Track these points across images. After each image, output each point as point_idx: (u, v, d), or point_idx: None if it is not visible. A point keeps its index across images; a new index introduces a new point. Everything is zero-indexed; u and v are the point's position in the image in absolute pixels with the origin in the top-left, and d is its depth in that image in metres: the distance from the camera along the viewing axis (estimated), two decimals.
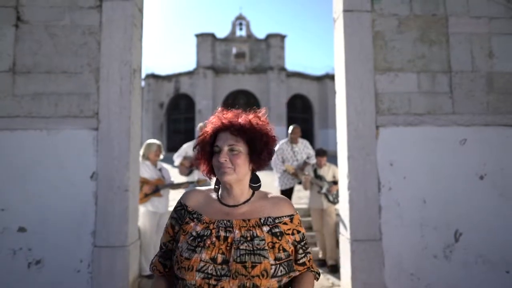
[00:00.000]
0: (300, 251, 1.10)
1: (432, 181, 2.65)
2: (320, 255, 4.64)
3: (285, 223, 1.08)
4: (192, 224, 1.06)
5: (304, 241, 1.12)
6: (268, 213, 1.08)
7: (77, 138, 2.58)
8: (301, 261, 1.11)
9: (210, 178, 1.15)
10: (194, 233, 1.03)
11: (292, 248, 1.07)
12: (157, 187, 3.62)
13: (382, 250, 2.60)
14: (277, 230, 1.05)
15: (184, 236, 1.04)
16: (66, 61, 2.64)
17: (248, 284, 0.95)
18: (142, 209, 3.54)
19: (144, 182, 3.54)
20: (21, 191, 2.51)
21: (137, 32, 2.81)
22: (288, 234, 1.07)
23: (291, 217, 1.10)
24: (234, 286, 0.94)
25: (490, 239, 2.60)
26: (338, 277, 3.64)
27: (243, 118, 1.10)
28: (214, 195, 1.13)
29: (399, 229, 2.62)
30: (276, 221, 1.07)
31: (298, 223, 1.12)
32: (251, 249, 0.98)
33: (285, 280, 1.01)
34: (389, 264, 2.60)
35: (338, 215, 3.62)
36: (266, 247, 1.00)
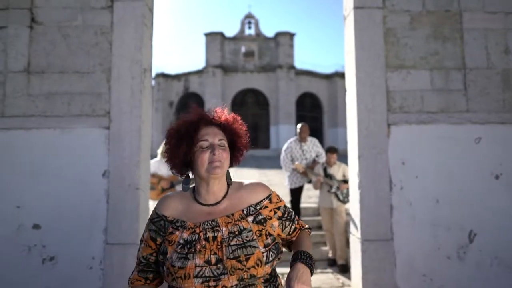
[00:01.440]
0: (287, 223, 1.16)
1: (445, 181, 2.60)
2: (330, 255, 4.61)
3: (265, 207, 1.11)
4: (177, 233, 1.04)
5: (287, 212, 1.17)
6: (248, 202, 1.10)
7: (89, 136, 2.62)
8: (291, 229, 1.18)
9: (180, 176, 1.12)
10: (181, 241, 1.02)
11: (278, 229, 1.12)
12: (172, 183, 3.77)
13: (394, 250, 2.57)
14: (260, 217, 1.08)
15: (172, 246, 1.02)
16: (78, 61, 2.68)
17: (246, 276, 0.98)
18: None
19: (160, 178, 3.71)
20: (35, 189, 2.56)
21: (147, 32, 2.84)
22: (271, 217, 1.11)
23: (269, 198, 1.14)
24: (234, 281, 0.96)
25: (506, 240, 2.54)
26: (348, 277, 3.61)
27: (226, 115, 1.14)
28: (189, 197, 1.12)
29: (411, 229, 2.58)
30: (258, 207, 1.10)
31: (277, 199, 1.16)
32: (242, 242, 1.01)
33: (276, 262, 1.06)
34: (400, 264, 2.56)
35: (348, 214, 3.59)
36: (255, 237, 1.03)
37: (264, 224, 1.07)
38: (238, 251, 0.99)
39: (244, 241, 1.01)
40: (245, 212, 1.08)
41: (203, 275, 0.96)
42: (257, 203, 1.11)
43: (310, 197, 6.77)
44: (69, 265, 2.52)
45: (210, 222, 1.04)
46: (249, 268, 0.97)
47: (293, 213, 1.21)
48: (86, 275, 2.53)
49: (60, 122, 2.62)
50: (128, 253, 2.55)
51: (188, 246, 1.00)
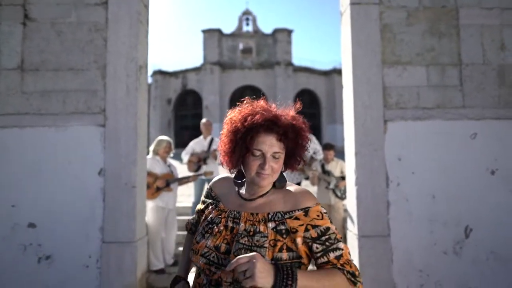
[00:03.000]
0: (317, 248, 0.94)
1: (442, 176, 2.61)
2: None
3: (296, 218, 0.96)
4: (210, 209, 1.09)
5: (325, 237, 0.95)
6: (280, 208, 1.00)
7: (84, 134, 2.60)
8: (320, 260, 0.95)
9: (230, 171, 1.09)
10: (209, 219, 1.05)
11: (304, 248, 0.95)
12: (167, 181, 3.68)
13: (391, 246, 2.57)
14: (282, 227, 0.95)
15: (203, 221, 1.07)
16: (73, 58, 2.65)
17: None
18: (151, 204, 3.60)
19: (154, 176, 3.60)
20: (30, 188, 2.54)
21: (143, 29, 2.81)
22: (296, 231, 0.94)
23: (306, 210, 0.97)
24: (229, 278, 0.93)
25: (502, 235, 2.56)
26: None
27: (292, 121, 1.01)
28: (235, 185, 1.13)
29: (408, 225, 2.59)
30: (286, 216, 0.97)
31: (317, 216, 0.97)
32: (249, 244, 0.93)
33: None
34: (397, 260, 2.57)
35: (345, 210, 3.60)
36: (266, 245, 0.92)
37: (284, 236, 0.94)
38: (243, 251, 0.93)
39: (253, 244, 0.93)
40: (269, 216, 0.98)
41: (208, 258, 0.96)
42: (287, 212, 0.98)
43: None
44: (66, 264, 2.51)
45: (235, 212, 1.03)
46: None
47: (339, 245, 0.95)
48: (83, 274, 2.52)
49: (55, 120, 2.60)
50: (125, 252, 2.55)
51: (210, 225, 1.02)
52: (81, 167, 2.58)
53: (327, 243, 0.95)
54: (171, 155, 3.95)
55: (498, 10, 2.71)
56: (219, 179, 1.17)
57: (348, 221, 2.87)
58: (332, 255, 0.94)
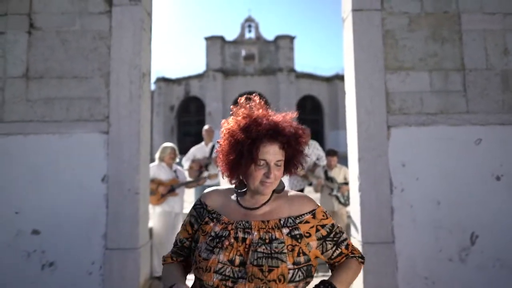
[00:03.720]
0: (329, 246, 1.05)
1: (446, 182, 2.59)
2: None
3: (306, 222, 1.03)
4: (211, 224, 1.04)
5: (334, 232, 1.06)
6: (288, 213, 1.03)
7: (88, 141, 2.62)
8: (334, 254, 1.07)
9: (231, 182, 1.09)
10: (213, 234, 1.01)
11: (316, 251, 1.02)
12: (172, 187, 3.73)
13: (395, 253, 2.55)
14: (296, 232, 1.00)
15: (204, 237, 1.02)
16: (77, 66, 2.68)
17: None
18: (158, 209, 3.68)
19: (159, 183, 3.66)
20: (34, 195, 2.55)
21: (146, 36, 2.84)
22: (310, 235, 1.01)
23: (313, 213, 1.05)
24: None
25: (509, 242, 2.52)
26: None
27: (294, 130, 1.03)
28: (232, 196, 1.10)
29: (412, 231, 2.56)
30: (297, 221, 1.02)
31: (323, 216, 1.06)
32: (269, 252, 0.94)
33: (302, 285, 0.97)
34: (402, 267, 2.54)
35: (349, 217, 3.57)
36: (285, 250, 0.95)
37: (299, 241, 0.98)
38: (263, 259, 0.93)
39: (272, 251, 0.94)
40: (281, 222, 1.01)
41: (223, 273, 0.93)
42: (298, 216, 1.03)
43: None
44: (69, 271, 2.51)
45: (244, 222, 1.00)
46: (269, 281, 0.91)
47: (343, 236, 1.08)
48: (86, 281, 2.51)
49: (59, 127, 2.62)
50: (128, 258, 2.54)
51: (217, 240, 0.98)
52: (84, 174, 2.58)
53: (335, 238, 1.06)
54: (177, 160, 4.02)
55: (500, 15, 2.71)
56: (210, 194, 1.12)
57: (352, 227, 2.85)
58: (342, 246, 1.08)
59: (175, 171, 3.91)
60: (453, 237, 2.55)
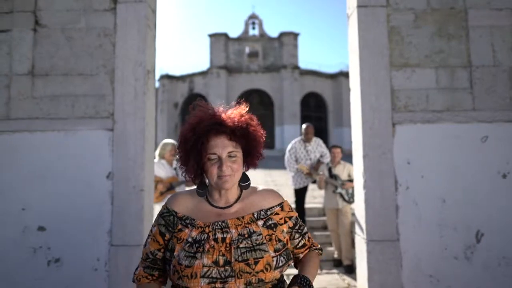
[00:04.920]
0: (296, 235, 1.14)
1: (452, 180, 2.57)
2: (336, 255, 4.59)
3: (276, 213, 1.10)
4: (186, 230, 1.03)
5: (298, 224, 1.15)
6: (259, 207, 1.09)
7: (93, 138, 2.63)
8: (299, 244, 1.16)
9: (194, 183, 1.10)
10: (190, 239, 1.00)
11: (287, 236, 1.10)
12: (171, 185, 3.70)
13: (400, 251, 2.54)
14: (270, 222, 1.07)
15: (180, 244, 1.00)
16: (82, 63, 2.69)
17: (254, 280, 0.95)
18: (157, 207, 3.64)
19: (158, 181, 3.63)
20: (40, 191, 2.57)
21: (150, 33, 2.84)
22: (281, 224, 1.09)
23: (281, 205, 1.12)
24: (241, 285, 0.94)
25: None
26: (354, 278, 3.58)
27: (237, 119, 1.03)
28: (200, 198, 1.10)
29: (417, 229, 2.55)
30: (268, 212, 1.09)
31: (289, 209, 1.14)
32: (251, 245, 0.99)
33: (285, 268, 1.03)
34: (407, 265, 2.53)
35: (353, 214, 3.57)
36: (265, 241, 1.01)
37: (274, 229, 1.05)
38: (247, 254, 0.97)
39: (254, 244, 0.99)
40: (255, 215, 1.06)
41: (210, 276, 0.94)
42: (268, 209, 1.09)
43: (315, 198, 6.74)
44: (74, 267, 2.53)
45: (220, 223, 1.02)
46: (257, 272, 0.95)
47: (305, 228, 1.18)
48: (91, 277, 2.53)
49: (64, 124, 2.63)
50: (133, 255, 2.56)
51: (196, 245, 0.98)
52: (89, 171, 2.60)
53: (299, 230, 1.15)
54: (178, 157, 3.98)
55: (508, 11, 2.67)
56: (176, 199, 1.10)
57: (356, 225, 2.84)
58: (306, 238, 1.17)
59: (175, 169, 3.87)
60: (458, 235, 2.53)
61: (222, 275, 0.94)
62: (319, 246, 1.23)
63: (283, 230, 1.08)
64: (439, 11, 2.71)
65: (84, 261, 2.54)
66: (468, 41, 2.68)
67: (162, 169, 3.74)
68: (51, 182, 2.58)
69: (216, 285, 0.93)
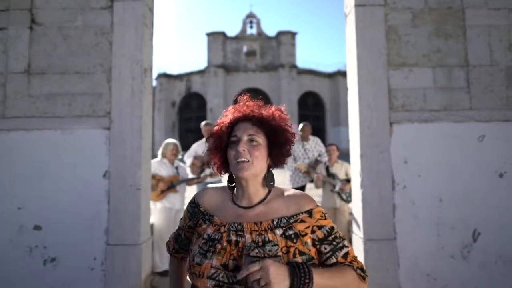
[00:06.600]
0: (325, 249, 0.95)
1: (449, 179, 2.58)
2: None
3: (302, 221, 0.95)
4: (204, 225, 1.00)
5: (333, 236, 0.96)
6: (284, 213, 0.97)
7: (90, 137, 2.61)
8: (328, 261, 0.95)
9: (220, 174, 1.07)
10: (205, 236, 0.97)
11: (314, 249, 0.94)
12: (172, 183, 3.74)
13: (397, 250, 2.54)
14: (291, 232, 0.93)
15: (197, 239, 0.99)
16: (79, 62, 2.67)
17: None
18: (159, 205, 3.70)
19: (159, 179, 3.67)
20: (36, 190, 2.55)
21: (147, 32, 2.83)
22: (305, 234, 0.94)
23: (310, 212, 0.97)
24: None
25: (511, 239, 2.51)
26: None
27: (266, 109, 1.03)
28: (228, 195, 1.06)
29: (414, 228, 2.56)
30: (291, 220, 0.95)
31: (320, 216, 0.98)
32: (263, 255, 0.89)
33: None
34: (404, 264, 2.54)
35: (351, 213, 3.57)
36: (279, 253, 0.90)
37: (295, 241, 0.92)
38: None
39: (266, 255, 0.89)
40: (274, 223, 0.95)
41: (217, 279, 0.89)
42: (292, 216, 0.96)
43: (312, 196, 6.75)
44: (71, 266, 2.52)
45: (236, 224, 0.96)
46: None
47: (344, 242, 0.97)
48: (88, 276, 2.52)
49: (61, 123, 2.62)
50: (129, 254, 2.55)
51: (210, 243, 0.94)
52: (86, 170, 2.59)
53: (334, 243, 0.96)
54: (179, 157, 4.03)
55: (506, 11, 2.68)
56: (205, 192, 1.09)
57: (354, 224, 2.85)
58: (339, 254, 0.95)
59: (176, 168, 3.92)
60: (455, 234, 2.54)
61: (230, 281, 0.88)
62: (362, 266, 0.97)
63: (306, 242, 0.93)
64: (437, 11, 2.71)
65: (81, 260, 2.53)
66: (465, 41, 2.68)
67: (164, 168, 3.80)
68: (47, 181, 2.56)
69: None
